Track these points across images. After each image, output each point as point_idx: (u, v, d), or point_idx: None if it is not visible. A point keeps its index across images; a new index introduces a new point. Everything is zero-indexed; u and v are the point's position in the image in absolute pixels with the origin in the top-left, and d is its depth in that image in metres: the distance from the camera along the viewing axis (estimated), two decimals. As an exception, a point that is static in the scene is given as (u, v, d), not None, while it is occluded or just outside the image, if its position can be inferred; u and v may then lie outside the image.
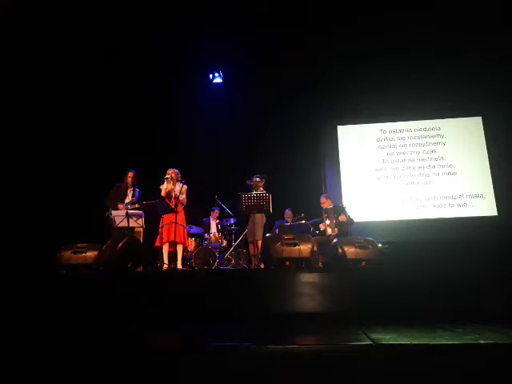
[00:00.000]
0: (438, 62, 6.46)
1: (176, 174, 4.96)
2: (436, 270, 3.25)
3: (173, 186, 4.85)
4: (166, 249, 4.81)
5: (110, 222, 4.89)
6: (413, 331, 2.36)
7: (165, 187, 4.88)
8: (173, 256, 4.95)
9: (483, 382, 1.89)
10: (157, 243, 4.82)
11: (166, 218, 4.79)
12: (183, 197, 4.87)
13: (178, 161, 5.82)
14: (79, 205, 6.17)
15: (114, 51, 6.33)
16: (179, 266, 4.85)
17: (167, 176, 4.90)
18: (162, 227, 4.80)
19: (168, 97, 7.02)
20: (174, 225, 4.65)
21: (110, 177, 5.36)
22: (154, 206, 4.73)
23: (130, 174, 5.14)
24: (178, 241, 4.73)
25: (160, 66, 6.67)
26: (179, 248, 4.85)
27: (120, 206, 4.96)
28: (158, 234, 4.83)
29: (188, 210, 5.06)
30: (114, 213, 4.75)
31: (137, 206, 4.98)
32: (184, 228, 4.92)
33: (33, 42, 5.91)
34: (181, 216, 4.89)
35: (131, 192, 5.14)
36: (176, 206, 4.71)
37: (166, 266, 4.69)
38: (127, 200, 5.06)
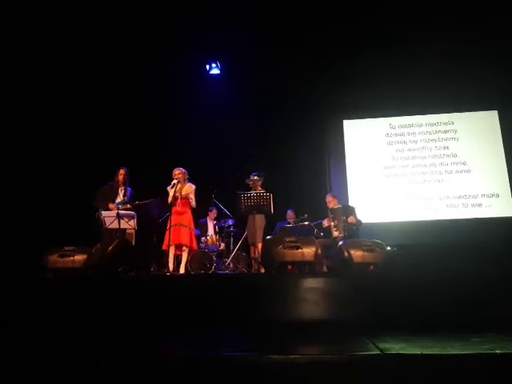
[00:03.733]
0: (451, 53, 6.44)
1: (183, 175, 4.95)
2: (448, 274, 3.25)
3: (180, 189, 4.84)
4: (171, 252, 4.78)
5: (99, 223, 4.88)
6: (423, 340, 2.35)
7: (171, 193, 4.83)
8: (177, 260, 4.95)
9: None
10: (164, 246, 4.82)
11: (171, 221, 4.77)
12: (192, 198, 4.87)
13: (172, 157, 5.83)
14: (67, 205, 6.17)
15: (105, 42, 6.31)
16: (182, 269, 4.84)
17: (175, 179, 4.86)
18: (168, 229, 4.78)
19: (161, 89, 7.00)
20: (180, 227, 4.65)
21: (100, 175, 5.36)
22: (147, 206, 4.74)
23: (122, 172, 5.11)
24: (183, 244, 4.73)
25: (151, 55, 6.63)
26: (184, 252, 4.85)
27: (111, 206, 4.94)
28: (152, 237, 4.83)
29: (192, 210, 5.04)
30: (104, 213, 4.74)
31: (129, 206, 4.97)
32: (191, 230, 4.90)
33: (15, 33, 5.90)
34: (188, 217, 4.89)
35: (122, 191, 5.11)
36: (172, 206, 4.70)
37: (169, 271, 4.68)
38: (118, 200, 5.04)
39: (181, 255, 4.93)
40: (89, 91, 6.71)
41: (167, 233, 4.78)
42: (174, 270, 4.78)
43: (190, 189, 4.92)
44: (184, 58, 6.80)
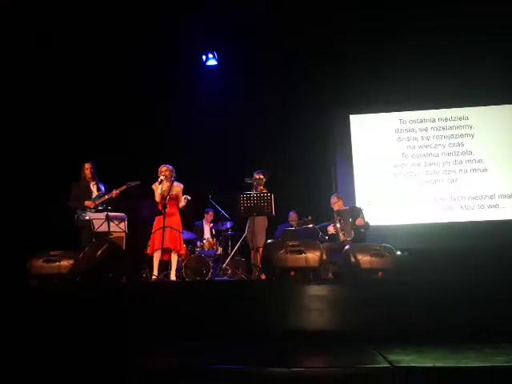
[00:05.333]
0: (466, 42, 6.45)
1: (170, 172, 4.93)
2: (463, 280, 3.26)
3: (167, 187, 4.84)
4: (157, 258, 4.78)
5: (79, 225, 4.91)
6: (436, 351, 2.37)
7: (159, 190, 4.82)
8: (165, 265, 4.95)
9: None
10: (148, 250, 4.81)
11: (159, 222, 4.78)
12: (182, 200, 4.87)
13: (165, 155, 5.82)
14: (45, 206, 6.15)
15: (94, 29, 6.31)
16: (172, 276, 4.85)
17: (162, 176, 4.84)
18: (154, 233, 4.78)
19: (152, 81, 6.97)
20: (167, 230, 4.65)
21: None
22: (137, 207, 4.74)
23: (87, 166, 5.15)
24: (172, 248, 4.73)
25: (142, 44, 6.62)
26: (174, 257, 4.85)
27: (88, 203, 4.97)
28: (144, 240, 4.83)
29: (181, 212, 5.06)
30: (91, 215, 4.76)
31: (106, 197, 4.98)
32: (180, 233, 4.91)
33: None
34: (176, 219, 4.88)
35: (95, 186, 5.16)
36: (164, 207, 4.71)
37: (154, 277, 4.69)
38: (94, 195, 5.09)
39: (168, 260, 4.92)
40: (69, 83, 6.70)
41: (153, 236, 4.78)
42: (159, 276, 4.79)
43: (178, 188, 4.92)
44: (178, 48, 6.80)
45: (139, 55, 6.69)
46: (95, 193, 5.11)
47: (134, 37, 6.45)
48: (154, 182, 4.91)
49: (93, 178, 5.15)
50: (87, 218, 4.84)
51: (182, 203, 4.88)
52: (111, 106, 6.88)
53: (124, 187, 5.00)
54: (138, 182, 4.96)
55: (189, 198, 4.91)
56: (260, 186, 5.34)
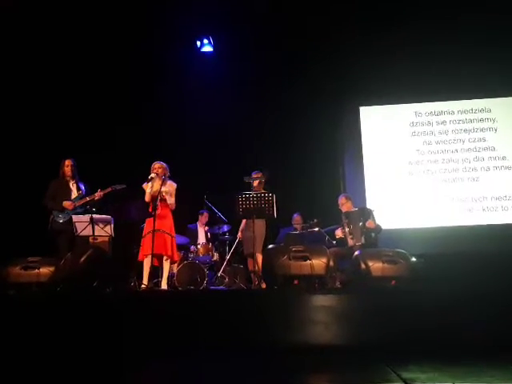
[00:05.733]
0: (489, 25, 6.43)
1: (163, 170, 4.91)
2: (485, 290, 3.25)
3: (159, 186, 4.83)
4: (147, 264, 4.76)
5: (55, 227, 4.90)
6: (455, 368, 2.37)
7: (149, 189, 4.81)
8: (155, 273, 4.95)
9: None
10: (140, 257, 4.81)
11: (148, 226, 4.77)
12: (172, 199, 4.86)
13: (155, 151, 5.82)
14: (18, 207, 6.15)
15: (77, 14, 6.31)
16: (163, 285, 4.85)
17: (153, 174, 4.84)
18: (144, 236, 4.77)
19: (141, 69, 6.95)
20: (158, 234, 4.65)
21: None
22: (125, 208, 4.74)
23: (68, 163, 5.13)
24: (161, 253, 4.73)
25: (130, 29, 6.61)
26: (165, 263, 4.85)
27: (66, 203, 4.96)
28: (132, 244, 4.83)
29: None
30: (74, 218, 4.77)
31: (88, 199, 4.97)
32: (172, 238, 4.91)
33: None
34: (168, 222, 4.88)
35: (75, 185, 5.14)
36: (154, 208, 4.71)
37: (144, 285, 4.70)
38: (73, 195, 5.07)
39: (159, 267, 4.92)
40: (49, 69, 6.69)
41: (144, 240, 4.77)
42: (148, 285, 4.79)
43: (171, 187, 4.91)
44: (170, 33, 6.78)
45: (127, 40, 6.67)
46: (75, 193, 5.09)
47: (119, 20, 6.44)
48: (143, 180, 4.90)
49: (73, 177, 5.14)
50: (62, 220, 4.85)
51: (173, 205, 4.86)
52: (95, 96, 6.87)
53: (108, 190, 5.01)
54: (124, 186, 4.96)
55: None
56: (260, 185, 5.34)
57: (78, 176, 5.21)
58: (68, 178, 5.12)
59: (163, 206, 4.80)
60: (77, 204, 4.97)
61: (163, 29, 6.67)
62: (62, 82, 6.77)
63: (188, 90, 6.98)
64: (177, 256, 5.19)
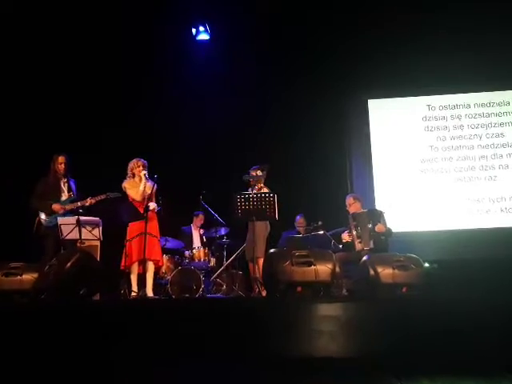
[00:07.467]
0: (508, 12, 6.44)
1: (145, 167, 4.98)
2: (504, 298, 3.26)
3: (149, 186, 4.87)
4: (134, 271, 4.81)
5: (41, 231, 4.90)
6: (468, 382, 2.37)
7: (142, 187, 4.84)
8: (143, 279, 4.97)
9: None
10: (122, 264, 4.82)
11: (133, 229, 4.79)
12: (153, 201, 4.89)
13: (145, 147, 5.84)
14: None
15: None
16: (149, 292, 4.86)
17: (145, 172, 4.86)
18: (130, 240, 4.80)
19: (132, 58, 6.95)
20: (149, 237, 4.67)
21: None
22: (115, 209, 4.75)
23: (61, 159, 5.06)
24: (149, 258, 4.74)
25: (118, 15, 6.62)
26: (150, 268, 4.87)
27: (56, 206, 4.94)
28: (122, 251, 4.83)
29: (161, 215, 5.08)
30: (60, 220, 4.76)
31: (79, 204, 4.95)
32: (158, 240, 4.93)
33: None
34: (155, 224, 4.91)
35: (66, 185, 5.10)
36: (146, 210, 4.73)
37: (134, 293, 4.71)
38: (64, 197, 5.05)
39: (143, 274, 4.92)
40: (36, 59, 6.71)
41: (129, 244, 4.79)
42: (139, 293, 4.81)
43: (154, 189, 4.97)
44: (163, 20, 6.79)
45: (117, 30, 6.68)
46: (66, 193, 5.07)
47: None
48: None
49: (65, 175, 5.10)
50: (51, 223, 4.84)
51: (155, 205, 4.90)
52: (82, 88, 6.87)
53: (102, 197, 4.99)
54: (119, 195, 4.96)
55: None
56: (259, 183, 5.34)
57: (70, 174, 5.17)
58: (60, 177, 5.07)
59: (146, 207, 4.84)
60: (67, 208, 4.95)
61: (155, 15, 6.67)
62: (47, 70, 6.76)
63: (182, 82, 6.98)
64: (163, 261, 5.27)
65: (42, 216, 4.93)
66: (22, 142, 6.58)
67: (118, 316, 3.31)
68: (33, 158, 6.05)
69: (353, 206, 5.46)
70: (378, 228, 5.11)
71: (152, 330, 3.14)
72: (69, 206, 4.96)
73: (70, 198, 5.04)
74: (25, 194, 5.12)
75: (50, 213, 4.91)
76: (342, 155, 7.39)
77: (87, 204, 4.98)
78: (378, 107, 7.51)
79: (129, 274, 4.82)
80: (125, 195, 4.96)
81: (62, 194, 5.05)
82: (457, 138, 7.28)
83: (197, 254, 6.09)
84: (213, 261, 6.14)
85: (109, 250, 5.14)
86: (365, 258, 4.10)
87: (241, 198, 4.78)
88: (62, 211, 4.93)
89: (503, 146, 7.16)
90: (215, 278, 5.97)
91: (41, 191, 5.01)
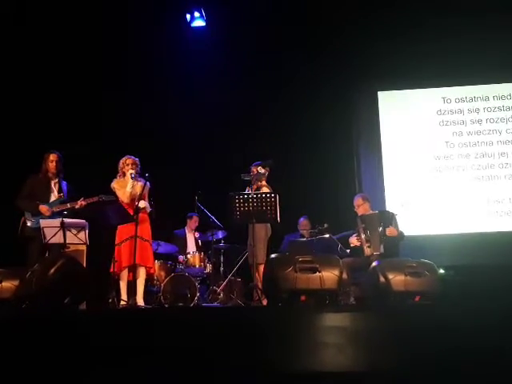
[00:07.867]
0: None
1: (137, 166, 4.99)
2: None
3: (141, 186, 4.88)
4: (124, 278, 4.81)
5: (26, 233, 4.89)
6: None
7: (129, 188, 4.85)
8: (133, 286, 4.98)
9: None
10: (112, 269, 4.82)
11: (123, 232, 4.79)
12: (145, 201, 4.89)
13: (137, 143, 5.84)
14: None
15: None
16: (139, 301, 4.86)
17: (132, 171, 4.88)
18: (119, 244, 4.80)
19: (121, 46, 6.97)
20: (141, 241, 4.68)
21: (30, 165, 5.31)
22: (102, 211, 4.75)
23: (53, 157, 5.08)
24: (140, 263, 4.74)
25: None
26: (141, 274, 4.87)
27: (43, 208, 4.93)
28: (111, 256, 4.84)
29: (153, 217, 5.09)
30: (42, 222, 4.76)
31: (69, 206, 4.96)
32: (150, 245, 4.94)
33: None
34: (147, 227, 4.92)
35: (57, 185, 5.12)
36: (136, 211, 4.74)
37: (123, 302, 4.70)
38: (53, 198, 5.05)
39: (133, 281, 4.92)
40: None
41: (119, 249, 4.80)
42: (129, 301, 4.81)
43: (146, 188, 4.96)
44: (155, 5, 6.79)
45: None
46: (55, 194, 5.07)
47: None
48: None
49: (57, 174, 5.11)
50: (37, 224, 4.82)
51: (147, 207, 4.91)
52: (69, 78, 6.88)
53: (95, 199, 5.00)
54: (113, 199, 4.97)
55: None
56: (260, 182, 5.34)
57: (63, 173, 5.18)
58: (51, 176, 5.08)
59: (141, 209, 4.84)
60: (54, 210, 4.95)
61: (151, 6, 6.70)
62: (38, 64, 6.80)
63: (176, 72, 6.99)
64: (155, 267, 5.29)
65: (28, 217, 4.93)
66: (12, 140, 6.59)
67: (105, 327, 3.31)
68: (23, 156, 6.06)
69: (361, 207, 5.47)
70: (390, 231, 5.11)
71: (143, 342, 3.13)
72: (58, 208, 4.96)
73: (59, 199, 5.05)
74: (9, 193, 5.12)
75: (37, 213, 4.91)
76: (350, 152, 7.40)
77: (77, 206, 4.99)
78: (389, 99, 7.52)
79: (118, 281, 4.83)
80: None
81: (52, 195, 5.06)
82: (474, 134, 7.28)
83: (191, 259, 6.09)
84: (209, 267, 6.13)
85: (96, 255, 5.15)
86: (374, 263, 4.10)
87: (239, 199, 4.77)
88: (48, 213, 4.91)
89: (525, 142, 7.18)
90: (213, 286, 5.95)
91: (29, 190, 5.02)
